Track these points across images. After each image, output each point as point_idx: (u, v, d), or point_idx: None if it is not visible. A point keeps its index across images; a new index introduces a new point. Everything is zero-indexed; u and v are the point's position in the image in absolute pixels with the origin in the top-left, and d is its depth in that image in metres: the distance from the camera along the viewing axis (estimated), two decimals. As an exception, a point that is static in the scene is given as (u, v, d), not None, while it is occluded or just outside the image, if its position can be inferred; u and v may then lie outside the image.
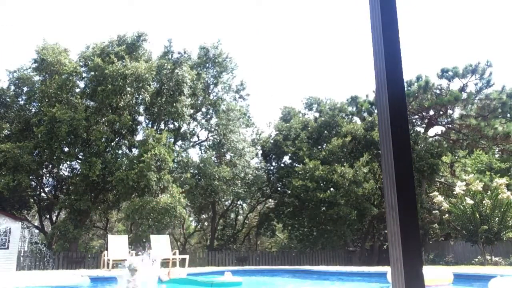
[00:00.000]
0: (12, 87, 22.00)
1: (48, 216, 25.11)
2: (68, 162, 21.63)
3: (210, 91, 25.47)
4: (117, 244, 13.29)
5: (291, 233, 25.87)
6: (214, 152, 23.86)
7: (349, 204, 21.75)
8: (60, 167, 22.41)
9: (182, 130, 24.64)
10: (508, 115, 22.08)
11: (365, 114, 25.71)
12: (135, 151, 22.11)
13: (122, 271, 7.71)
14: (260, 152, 26.96)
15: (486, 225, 14.89)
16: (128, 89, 20.44)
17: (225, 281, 9.25)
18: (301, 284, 11.73)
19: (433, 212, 19.75)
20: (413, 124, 24.78)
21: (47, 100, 20.43)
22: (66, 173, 23.37)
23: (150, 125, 23.00)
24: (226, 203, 27.83)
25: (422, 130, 24.70)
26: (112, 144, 21.76)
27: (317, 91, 54.91)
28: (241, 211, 31.07)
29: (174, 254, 13.76)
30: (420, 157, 21.79)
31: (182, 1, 38.79)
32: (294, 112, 28.09)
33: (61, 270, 17.11)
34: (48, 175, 23.06)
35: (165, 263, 13.54)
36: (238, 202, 28.50)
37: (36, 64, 20.92)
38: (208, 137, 25.77)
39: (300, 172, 22.69)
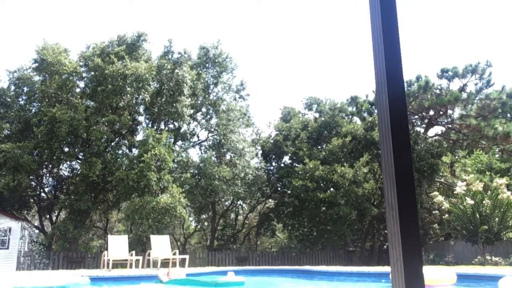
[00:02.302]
0: (12, 87, 22.01)
1: (48, 216, 25.11)
2: (68, 162, 21.63)
3: (210, 91, 25.47)
4: (117, 244, 13.31)
5: (291, 233, 25.87)
6: (214, 152, 23.86)
7: (349, 204, 21.75)
8: (60, 167, 22.42)
9: (182, 130, 24.65)
10: (508, 115, 22.08)
11: (365, 114, 25.72)
12: (135, 151, 22.12)
13: None
14: (260, 152, 26.96)
15: (486, 225, 14.88)
16: (128, 89, 20.45)
17: (229, 281, 9.26)
18: (302, 285, 11.73)
19: (433, 212, 19.74)
20: (413, 124, 24.78)
21: (47, 100, 20.44)
22: (66, 173, 23.40)
23: (150, 125, 23.01)
24: (226, 203, 27.84)
25: (422, 130, 24.71)
26: (112, 144, 21.77)
27: (317, 91, 54.98)
28: (241, 211, 31.06)
29: (174, 254, 13.77)
30: (420, 157, 21.79)
31: (182, 1, 38.81)
32: (294, 112, 28.08)
33: (61, 270, 17.12)
34: (48, 175, 23.05)
35: (165, 263, 13.55)
36: (238, 202, 28.49)
37: (36, 64, 20.92)
38: (208, 137, 25.78)
39: (300, 172, 22.69)
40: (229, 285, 9.13)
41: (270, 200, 28.83)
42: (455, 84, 22.98)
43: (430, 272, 8.13)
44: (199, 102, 24.67)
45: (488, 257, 15.72)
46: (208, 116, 25.74)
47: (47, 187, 23.75)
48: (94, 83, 20.77)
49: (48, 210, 24.65)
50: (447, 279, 8.01)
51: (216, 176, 21.70)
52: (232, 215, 30.51)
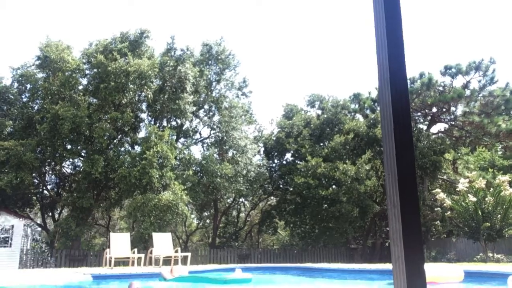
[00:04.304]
0: (16, 84, 22.04)
1: (50, 213, 25.17)
2: (71, 160, 21.68)
3: (212, 88, 25.45)
4: (119, 242, 13.34)
5: (293, 230, 25.88)
6: (216, 149, 23.85)
7: (351, 202, 21.74)
8: (63, 164, 22.45)
9: (184, 127, 24.64)
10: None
11: (368, 111, 25.69)
12: (137, 148, 22.12)
13: None
14: (262, 149, 26.95)
15: (488, 222, 14.86)
16: (131, 86, 20.45)
17: (237, 278, 9.30)
18: (305, 282, 11.74)
19: (435, 209, 19.72)
20: (416, 121, 24.73)
21: (50, 97, 20.45)
22: (69, 171, 23.44)
23: (152, 122, 23.01)
24: (228, 200, 27.86)
25: (425, 127, 24.67)
26: (115, 141, 21.78)
27: (319, 88, 54.99)
28: (243, 209, 31.10)
29: (176, 251, 13.80)
30: (422, 154, 21.76)
31: (184, -2, 38.73)
32: (296, 109, 28.06)
33: (63, 268, 17.18)
34: (50, 172, 23.09)
35: (167, 261, 13.58)
36: (240, 200, 28.52)
37: (39, 61, 20.94)
38: (210, 134, 25.77)
39: (302, 169, 22.68)
40: (237, 282, 9.17)
41: (272, 197, 28.85)
42: (459, 81, 22.96)
43: (437, 269, 8.07)
44: (201, 99, 24.65)
45: (490, 254, 15.71)
46: (211, 113, 25.73)
47: (49, 184, 23.83)
48: (97, 80, 20.77)
49: (50, 208, 24.72)
50: (454, 276, 7.96)
51: (218, 173, 21.70)
52: (234, 213, 30.56)
